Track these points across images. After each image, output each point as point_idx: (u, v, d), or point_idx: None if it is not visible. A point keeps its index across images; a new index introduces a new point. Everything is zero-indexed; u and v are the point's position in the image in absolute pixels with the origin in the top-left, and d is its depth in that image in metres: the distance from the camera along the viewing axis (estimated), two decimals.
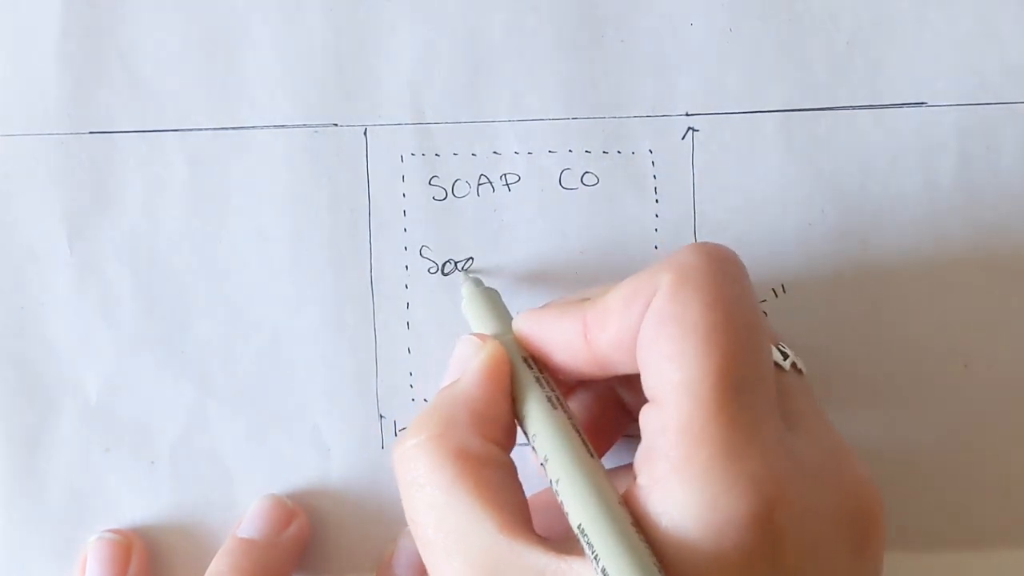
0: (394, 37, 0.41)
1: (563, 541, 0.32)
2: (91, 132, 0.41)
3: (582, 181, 0.41)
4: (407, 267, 0.41)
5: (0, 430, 0.41)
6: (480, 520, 0.32)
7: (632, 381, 0.34)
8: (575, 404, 0.38)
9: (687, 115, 0.41)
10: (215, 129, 0.41)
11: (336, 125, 0.41)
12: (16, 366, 0.41)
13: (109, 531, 0.41)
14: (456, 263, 0.41)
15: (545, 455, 0.33)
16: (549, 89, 0.41)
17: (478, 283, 0.40)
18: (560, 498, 0.32)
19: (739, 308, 0.32)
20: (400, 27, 0.41)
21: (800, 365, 0.36)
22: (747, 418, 0.31)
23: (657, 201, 0.41)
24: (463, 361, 0.36)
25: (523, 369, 0.35)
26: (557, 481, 0.32)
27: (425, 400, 0.41)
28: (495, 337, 0.36)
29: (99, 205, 0.41)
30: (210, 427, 0.41)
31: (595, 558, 0.30)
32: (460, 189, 0.42)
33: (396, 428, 0.41)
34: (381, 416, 0.41)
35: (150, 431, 0.41)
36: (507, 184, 0.41)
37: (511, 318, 0.37)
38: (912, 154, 0.41)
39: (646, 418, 0.32)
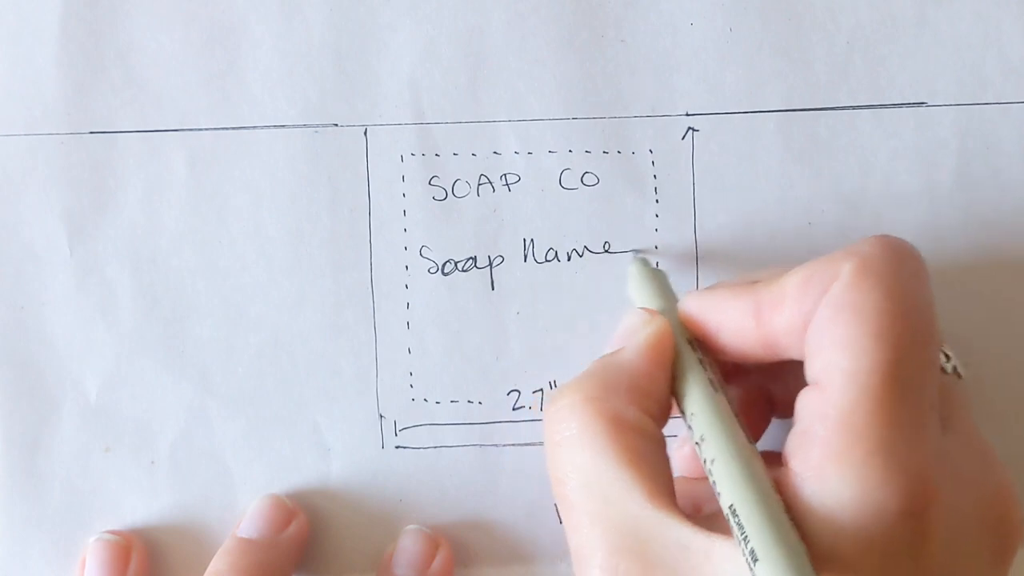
0: (394, 37, 0.41)
1: (707, 522, 0.32)
2: (91, 132, 0.41)
3: (582, 181, 0.41)
4: (407, 267, 0.41)
5: (0, 430, 0.41)
6: (629, 487, 0.32)
7: (784, 374, 0.35)
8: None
9: (687, 115, 0.41)
10: (215, 129, 0.41)
11: (336, 125, 0.41)
12: (16, 366, 0.41)
13: (108, 532, 0.41)
14: (456, 263, 0.41)
15: (702, 435, 0.33)
16: (549, 89, 0.41)
17: (646, 263, 0.40)
18: (713, 478, 0.32)
19: (917, 304, 0.32)
20: (400, 27, 0.41)
21: (960, 369, 0.36)
22: (910, 415, 0.30)
23: (657, 201, 0.41)
24: (629, 332, 0.36)
25: (687, 349, 0.35)
26: (712, 461, 0.32)
27: (425, 400, 0.41)
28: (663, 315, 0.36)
29: (99, 205, 0.41)
30: (210, 427, 0.41)
31: (744, 539, 0.30)
32: (460, 189, 0.42)
33: (396, 428, 0.41)
34: (381, 416, 0.41)
35: (150, 431, 0.41)
36: (507, 184, 0.41)
37: (676, 300, 0.37)
38: (912, 154, 0.41)
39: (805, 402, 0.32)
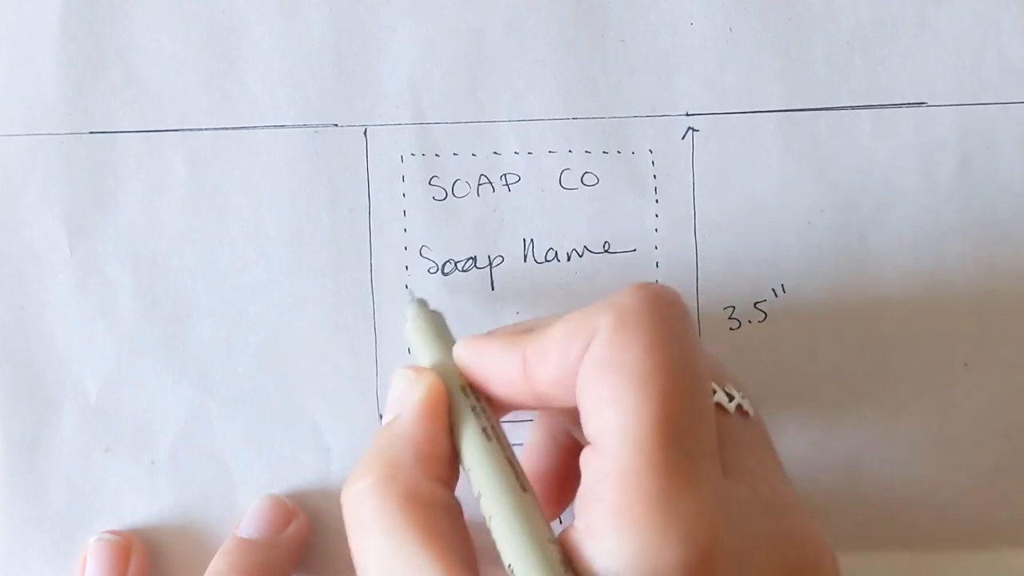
0: (394, 37, 0.41)
1: None
2: (91, 132, 0.41)
3: (582, 181, 0.42)
4: (407, 267, 0.41)
5: (0, 430, 0.41)
6: (428, 567, 0.31)
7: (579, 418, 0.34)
8: (537, 460, 0.38)
9: (687, 115, 0.41)
10: (215, 129, 0.41)
11: (336, 125, 0.41)
12: (16, 366, 0.41)
13: (108, 532, 0.41)
14: (456, 263, 0.41)
15: (479, 490, 0.33)
16: (549, 89, 0.41)
17: (423, 305, 0.39)
18: (493, 535, 0.32)
19: (678, 353, 0.31)
20: (400, 27, 0.41)
21: (747, 407, 0.35)
22: (684, 466, 0.30)
23: (657, 201, 0.41)
24: (401, 397, 0.35)
25: (460, 399, 0.34)
26: (490, 518, 0.32)
27: None
28: (437, 364, 0.36)
29: (99, 205, 0.41)
30: (210, 427, 0.41)
31: None
32: (460, 189, 0.42)
33: None
34: (381, 416, 0.41)
35: (150, 431, 0.41)
36: (507, 184, 0.41)
37: (454, 342, 0.36)
38: (912, 154, 0.41)
39: (585, 461, 0.32)
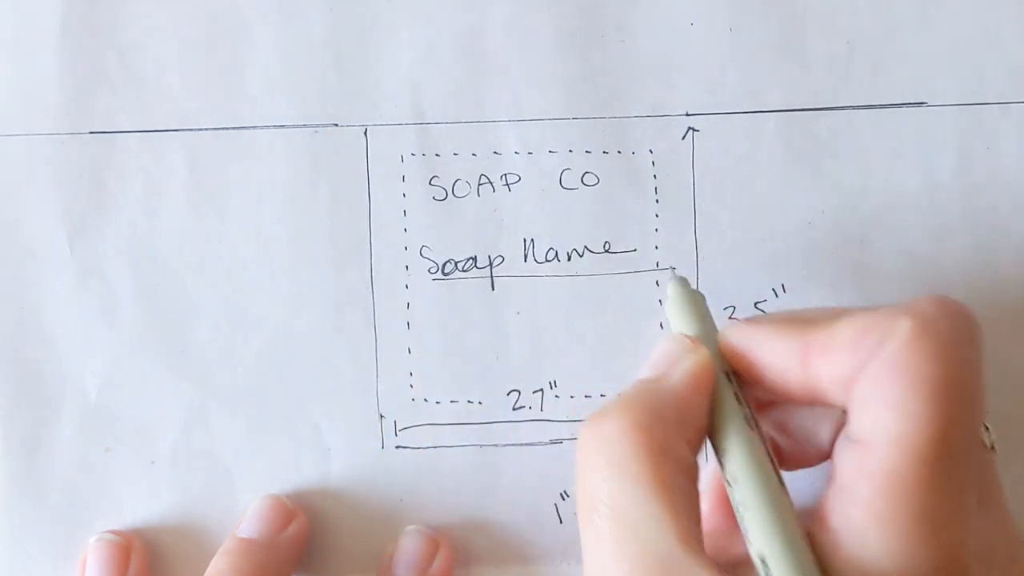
0: (394, 37, 0.41)
1: (731, 569, 0.31)
2: (91, 132, 0.41)
3: (582, 181, 0.41)
4: (407, 267, 0.41)
5: (0, 430, 0.41)
6: (663, 526, 0.31)
7: (792, 425, 0.34)
8: None
9: (687, 115, 0.41)
10: (215, 129, 0.41)
11: (336, 125, 0.41)
12: (16, 366, 0.41)
13: (109, 532, 0.41)
14: (456, 263, 0.41)
15: (735, 475, 0.32)
16: (549, 89, 0.41)
17: (685, 283, 0.37)
18: (744, 523, 0.31)
19: (971, 373, 0.31)
20: (400, 27, 0.41)
21: (995, 444, 0.35)
22: (954, 486, 0.30)
23: (657, 201, 0.41)
24: (670, 358, 0.34)
25: (724, 382, 0.34)
26: (743, 505, 0.32)
27: (426, 400, 0.41)
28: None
29: (99, 205, 0.41)
30: (210, 427, 0.41)
31: None
32: (460, 189, 0.42)
33: (396, 428, 0.41)
34: (381, 416, 0.41)
35: (150, 431, 0.41)
36: (507, 184, 0.41)
37: (715, 327, 0.36)
38: (912, 154, 0.41)
39: (848, 459, 0.31)
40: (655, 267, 0.41)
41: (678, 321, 0.37)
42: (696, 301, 0.37)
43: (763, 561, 0.30)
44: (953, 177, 0.41)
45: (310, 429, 0.41)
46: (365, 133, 0.41)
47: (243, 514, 0.41)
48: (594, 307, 0.41)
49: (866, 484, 0.30)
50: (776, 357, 0.34)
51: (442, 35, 0.41)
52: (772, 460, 0.33)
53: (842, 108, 0.41)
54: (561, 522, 0.41)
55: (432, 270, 0.41)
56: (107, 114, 0.41)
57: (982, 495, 0.32)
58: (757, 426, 0.33)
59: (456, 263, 0.41)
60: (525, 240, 0.41)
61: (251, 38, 0.41)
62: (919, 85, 0.41)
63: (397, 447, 0.41)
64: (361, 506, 0.41)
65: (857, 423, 0.31)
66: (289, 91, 0.41)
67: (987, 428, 0.34)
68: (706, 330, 0.36)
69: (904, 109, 0.41)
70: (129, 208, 0.41)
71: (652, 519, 0.31)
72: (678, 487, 0.31)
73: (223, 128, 0.41)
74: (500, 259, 0.41)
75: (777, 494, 0.32)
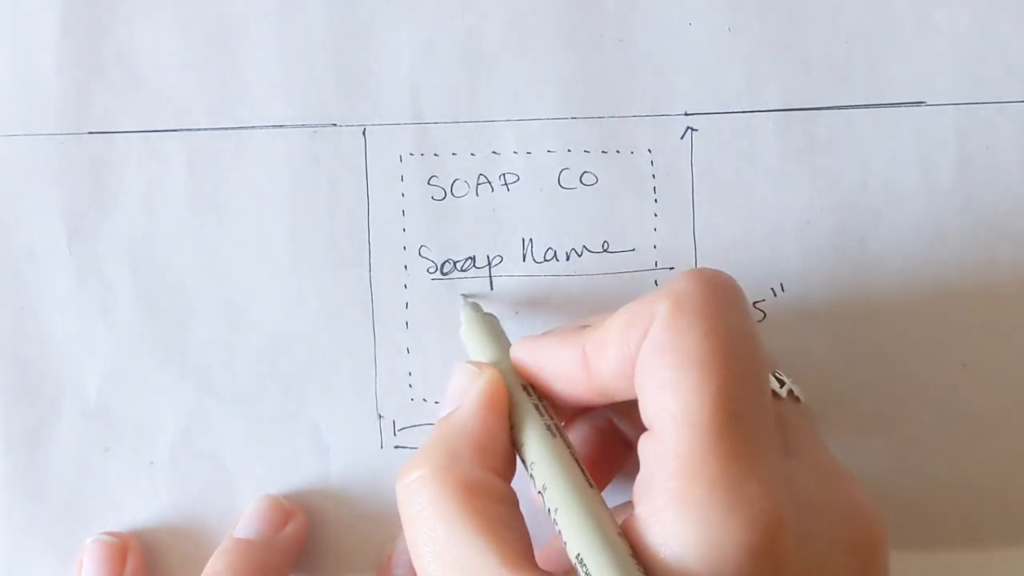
0: (393, 37, 0.41)
1: (565, 574, 0.32)
2: (90, 132, 0.41)
3: (581, 181, 0.41)
4: (406, 267, 0.41)
5: (0, 430, 0.41)
6: (483, 555, 0.31)
7: (631, 412, 0.34)
8: (575, 436, 0.38)
9: (686, 115, 0.41)
10: (214, 129, 0.41)
11: (335, 125, 0.41)
12: (15, 366, 0.41)
13: (105, 533, 0.41)
14: (455, 263, 0.41)
15: (544, 484, 0.33)
16: (548, 89, 0.41)
17: (477, 308, 0.40)
18: (558, 527, 0.32)
19: (737, 337, 0.31)
20: (399, 27, 0.41)
21: (797, 392, 0.35)
22: (745, 448, 0.30)
23: (656, 201, 0.41)
24: (460, 390, 0.36)
25: (521, 397, 0.35)
26: (556, 510, 0.32)
27: (424, 400, 0.41)
28: (494, 364, 0.36)
29: (98, 205, 0.41)
30: (209, 427, 0.41)
31: None
32: (459, 189, 0.42)
33: (395, 428, 0.41)
34: (380, 416, 0.41)
35: (149, 431, 0.41)
36: (506, 184, 0.41)
37: (510, 344, 0.37)
38: (911, 153, 0.41)
39: (644, 447, 0.32)
40: (654, 267, 0.41)
41: (471, 346, 0.38)
42: (488, 324, 0.38)
43: (580, 560, 0.31)
44: (952, 176, 0.41)
45: (309, 429, 0.41)
46: (364, 133, 0.41)
47: (241, 514, 0.41)
48: (593, 307, 0.41)
49: (660, 468, 0.31)
50: (561, 366, 0.34)
51: (441, 35, 0.41)
52: (579, 463, 0.33)
53: (841, 107, 0.41)
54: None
55: (431, 270, 0.41)
56: (106, 114, 0.41)
57: (787, 445, 0.33)
58: (561, 433, 0.34)
59: (455, 263, 0.41)
60: (524, 240, 0.41)
61: (250, 38, 0.41)
62: (918, 84, 0.41)
63: (396, 447, 0.41)
64: (360, 506, 0.41)
65: (644, 411, 0.32)
66: (288, 91, 0.41)
67: (780, 380, 0.35)
68: (501, 350, 0.37)
69: (903, 108, 0.41)
70: (128, 208, 0.41)
71: (471, 552, 0.31)
72: (491, 514, 0.32)
73: (222, 128, 0.41)
74: (499, 259, 0.41)
75: (585, 495, 0.32)
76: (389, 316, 0.41)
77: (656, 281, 0.41)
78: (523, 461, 0.34)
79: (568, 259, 0.41)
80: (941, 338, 0.41)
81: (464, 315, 0.39)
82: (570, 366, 0.34)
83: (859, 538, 0.32)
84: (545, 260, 0.41)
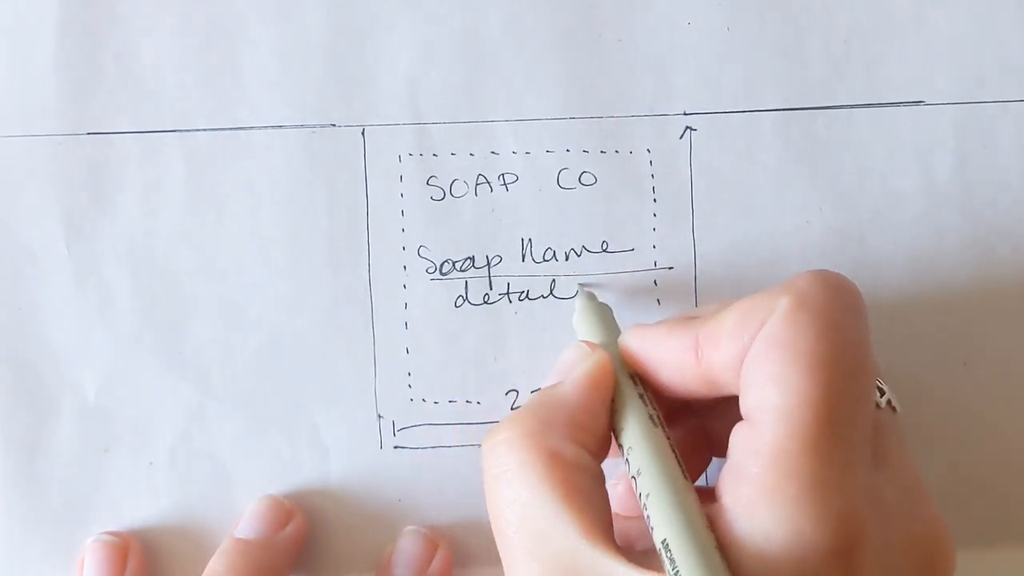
0: (392, 37, 0.41)
1: (641, 558, 0.32)
2: (89, 133, 0.41)
3: (580, 181, 0.41)
4: (405, 267, 0.41)
5: None
6: (564, 523, 0.32)
7: (724, 414, 0.34)
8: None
9: (685, 114, 0.41)
10: (213, 130, 0.41)
11: (334, 125, 0.41)
12: (14, 367, 0.41)
13: (106, 533, 0.41)
14: (454, 263, 0.41)
15: (638, 469, 0.33)
16: (547, 89, 0.41)
17: (592, 297, 0.40)
18: (647, 512, 0.32)
19: (851, 341, 0.32)
20: (398, 27, 0.41)
21: (895, 403, 0.35)
22: (842, 454, 0.31)
23: (655, 200, 0.41)
24: (569, 366, 0.36)
25: (627, 384, 0.35)
26: (647, 495, 0.32)
27: (424, 400, 0.41)
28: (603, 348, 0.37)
29: (97, 206, 0.41)
30: (209, 427, 0.41)
31: (675, 573, 0.30)
32: (458, 189, 0.42)
33: (395, 428, 0.41)
34: (379, 416, 0.41)
35: (149, 432, 0.41)
36: (505, 184, 0.41)
37: (620, 334, 0.37)
38: (910, 152, 0.41)
39: (738, 437, 0.32)
40: (653, 267, 0.41)
41: (583, 331, 0.38)
42: (601, 312, 0.39)
43: (665, 545, 0.31)
44: (951, 175, 0.41)
45: (308, 429, 0.41)
46: (363, 133, 0.41)
47: (241, 514, 0.41)
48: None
49: (754, 461, 0.31)
50: (671, 355, 0.34)
51: (440, 35, 0.41)
52: (675, 453, 0.33)
53: (840, 107, 0.41)
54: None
55: (430, 270, 0.41)
56: (104, 115, 0.41)
57: (878, 455, 0.33)
58: (661, 423, 0.34)
59: (454, 263, 0.41)
60: (523, 240, 0.41)
61: (248, 38, 0.41)
62: (917, 83, 0.41)
63: (395, 447, 0.41)
64: (359, 506, 0.41)
65: (744, 402, 0.32)
66: (286, 91, 0.41)
67: (881, 390, 0.35)
68: (610, 338, 0.37)
69: (902, 108, 0.41)
70: (127, 209, 0.41)
71: (553, 517, 0.32)
72: (574, 485, 0.32)
73: (220, 129, 0.41)
74: (498, 259, 0.41)
75: (678, 484, 0.32)
76: (388, 316, 0.41)
77: (655, 281, 0.41)
78: (619, 445, 0.35)
79: (567, 259, 0.41)
80: (941, 337, 0.41)
81: (579, 302, 0.40)
82: (680, 355, 0.34)
83: (930, 555, 0.32)
84: (544, 260, 0.41)
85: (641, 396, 0.35)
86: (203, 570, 0.39)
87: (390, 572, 0.40)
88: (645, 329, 0.36)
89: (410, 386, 0.41)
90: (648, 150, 0.41)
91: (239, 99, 0.41)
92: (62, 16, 0.41)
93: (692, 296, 0.41)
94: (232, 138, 0.41)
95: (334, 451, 0.41)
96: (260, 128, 0.41)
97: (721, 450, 0.37)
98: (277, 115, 0.41)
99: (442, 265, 0.41)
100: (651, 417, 0.34)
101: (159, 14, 0.41)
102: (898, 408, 0.35)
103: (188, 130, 0.41)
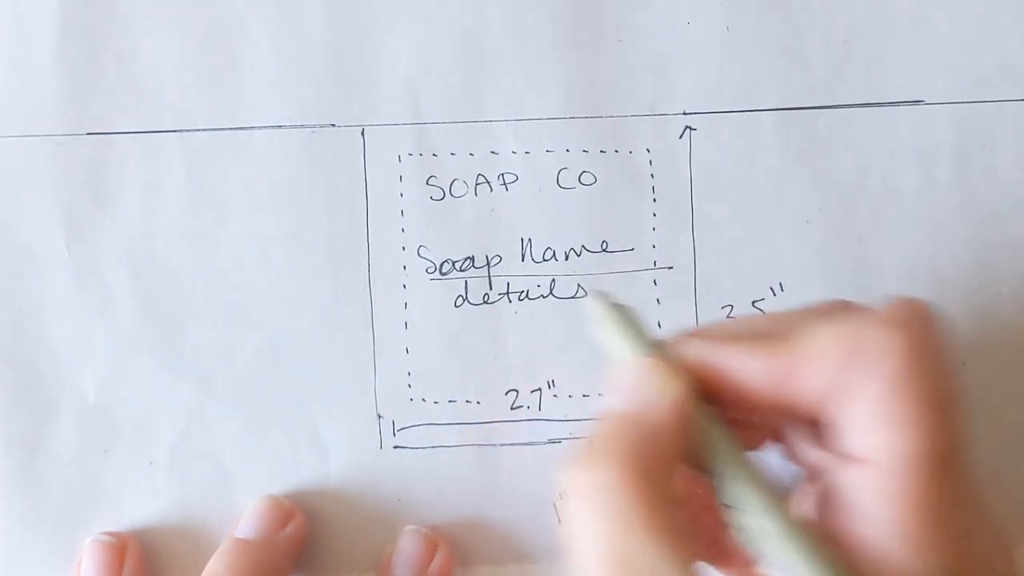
0: (392, 37, 0.41)
1: (720, 555, 0.32)
2: (89, 133, 0.41)
3: (580, 180, 0.42)
4: (405, 267, 0.41)
5: None
6: (671, 567, 0.30)
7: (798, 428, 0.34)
8: None
9: (684, 114, 0.41)
10: (213, 130, 0.41)
11: (334, 125, 0.41)
12: (14, 367, 0.41)
13: (104, 533, 0.41)
14: (454, 263, 0.41)
15: (742, 503, 0.32)
16: (547, 89, 0.41)
17: (609, 298, 0.35)
18: (766, 550, 0.31)
19: (954, 379, 0.32)
20: (398, 27, 0.41)
21: None
22: (960, 494, 0.31)
23: (655, 200, 0.41)
24: (644, 388, 0.33)
25: (702, 406, 0.33)
26: (767, 535, 0.31)
27: (424, 400, 0.41)
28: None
29: (97, 206, 0.41)
30: (209, 428, 0.41)
31: None
32: (458, 189, 0.42)
33: (395, 428, 0.41)
34: (379, 416, 0.41)
35: (149, 432, 0.41)
36: (505, 184, 0.41)
37: (653, 339, 0.34)
38: (909, 152, 0.41)
39: (850, 477, 0.31)
40: (652, 266, 0.41)
41: (622, 343, 0.34)
42: (633, 318, 0.34)
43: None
44: (950, 175, 0.41)
45: (308, 429, 0.41)
46: (362, 133, 0.41)
47: (241, 514, 0.41)
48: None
49: (884, 504, 0.31)
50: (749, 375, 0.33)
51: (439, 35, 0.41)
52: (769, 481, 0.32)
53: (839, 107, 0.41)
54: (559, 521, 0.41)
55: (430, 270, 0.41)
56: (104, 115, 0.41)
57: (973, 494, 0.33)
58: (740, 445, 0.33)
59: (454, 263, 0.42)
60: (523, 240, 0.41)
61: (248, 39, 0.41)
62: (916, 83, 0.41)
63: (395, 447, 0.41)
64: (359, 506, 0.41)
65: (856, 441, 0.31)
66: (286, 92, 0.41)
67: None
68: (657, 347, 0.34)
69: (901, 107, 0.41)
70: (127, 209, 0.41)
71: (658, 565, 0.31)
72: (676, 524, 0.31)
73: (220, 129, 0.41)
74: (498, 259, 0.41)
75: (792, 518, 0.31)
76: (388, 316, 0.41)
77: (655, 281, 0.41)
78: (708, 471, 0.33)
79: (567, 259, 0.41)
80: None
81: (599, 309, 0.34)
82: (761, 375, 0.33)
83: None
84: (544, 260, 0.41)
85: (713, 416, 0.33)
86: (203, 570, 0.39)
87: (390, 572, 0.40)
88: (715, 343, 0.33)
89: (410, 386, 0.41)
90: (648, 150, 0.41)
91: (239, 99, 0.41)
92: (62, 16, 0.41)
93: (692, 296, 0.41)
94: (232, 138, 0.41)
95: (334, 451, 0.41)
96: (260, 128, 0.41)
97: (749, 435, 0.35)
98: (277, 115, 0.41)
99: (442, 265, 0.41)
100: (734, 443, 0.32)
101: (159, 14, 0.41)
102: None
103: (188, 130, 0.41)
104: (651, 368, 0.33)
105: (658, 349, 0.34)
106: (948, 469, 0.31)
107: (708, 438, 0.33)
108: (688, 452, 0.33)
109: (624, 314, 0.34)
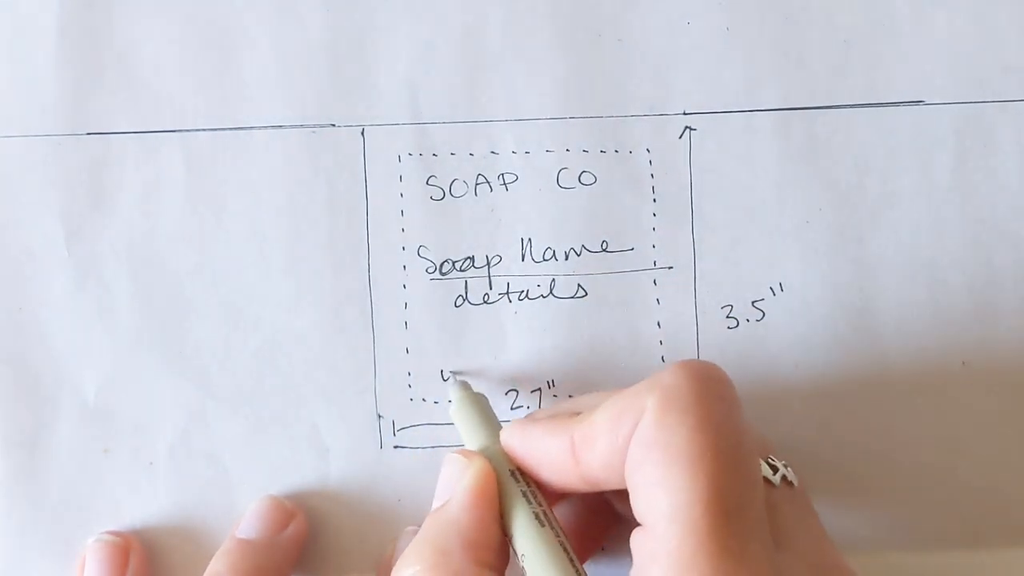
0: (391, 37, 0.41)
1: None
2: (88, 133, 0.41)
3: (580, 180, 0.41)
4: (405, 267, 0.41)
5: None
6: None
7: (623, 493, 0.34)
8: (564, 506, 0.39)
9: (684, 114, 0.41)
10: (212, 130, 0.41)
11: (333, 125, 0.41)
12: (14, 367, 0.41)
13: (107, 533, 0.41)
14: (454, 263, 0.41)
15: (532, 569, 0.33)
16: (546, 88, 0.41)
17: (466, 387, 0.40)
18: None
19: (725, 431, 0.31)
20: (397, 27, 0.41)
21: (791, 478, 0.36)
22: (736, 544, 0.30)
23: (655, 200, 0.41)
24: (450, 482, 0.36)
25: (510, 484, 0.35)
26: None
27: (424, 400, 0.41)
28: (483, 450, 0.37)
29: (97, 206, 0.41)
30: (209, 428, 0.41)
31: None
32: (458, 189, 0.42)
33: (395, 428, 0.41)
34: (379, 416, 0.41)
35: (149, 432, 0.41)
36: (505, 184, 0.41)
37: (500, 426, 0.38)
38: (909, 152, 0.41)
39: (637, 543, 0.32)
40: (652, 266, 0.41)
41: (461, 428, 0.39)
42: (478, 404, 0.39)
43: None
44: (950, 175, 0.41)
45: (308, 429, 0.41)
46: (362, 133, 0.41)
47: (242, 514, 0.41)
48: (591, 307, 0.41)
49: (653, 565, 0.31)
50: (549, 455, 0.35)
51: (439, 35, 0.41)
52: (568, 552, 0.34)
53: (839, 107, 0.41)
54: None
55: (430, 270, 0.41)
56: (104, 115, 0.41)
57: (779, 535, 0.33)
58: (550, 521, 0.34)
59: (454, 263, 0.42)
60: (522, 239, 0.41)
61: (248, 39, 0.41)
62: (916, 83, 0.41)
63: (395, 447, 0.41)
64: (359, 506, 0.41)
65: (635, 506, 0.32)
66: (286, 91, 0.41)
67: (773, 467, 0.35)
68: (491, 434, 0.37)
69: (901, 107, 0.41)
70: (127, 209, 0.41)
71: None
72: None
73: (220, 129, 0.41)
74: (498, 259, 0.41)
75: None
76: (388, 316, 0.41)
77: (655, 281, 0.41)
78: (514, 550, 0.35)
79: (567, 259, 0.41)
80: (940, 337, 0.41)
81: (453, 395, 0.40)
82: (559, 456, 0.34)
83: None
84: (544, 260, 0.41)
85: (525, 493, 0.35)
86: (204, 570, 0.39)
87: (390, 572, 0.40)
88: (524, 427, 0.36)
89: (410, 386, 0.41)
90: (648, 150, 0.41)
91: (238, 99, 0.41)
92: (62, 16, 0.41)
93: (692, 296, 0.41)
94: (232, 138, 0.41)
95: (334, 451, 0.41)
96: (260, 128, 0.41)
97: (622, 513, 0.37)
98: (277, 115, 0.41)
99: (442, 265, 0.41)
100: (538, 517, 0.34)
101: (159, 14, 0.41)
102: (795, 482, 0.36)
103: (188, 130, 0.41)
104: (455, 462, 0.36)
105: (493, 433, 0.37)
106: (717, 522, 0.30)
107: (510, 514, 0.35)
108: (502, 528, 0.35)
109: (474, 401, 0.39)
